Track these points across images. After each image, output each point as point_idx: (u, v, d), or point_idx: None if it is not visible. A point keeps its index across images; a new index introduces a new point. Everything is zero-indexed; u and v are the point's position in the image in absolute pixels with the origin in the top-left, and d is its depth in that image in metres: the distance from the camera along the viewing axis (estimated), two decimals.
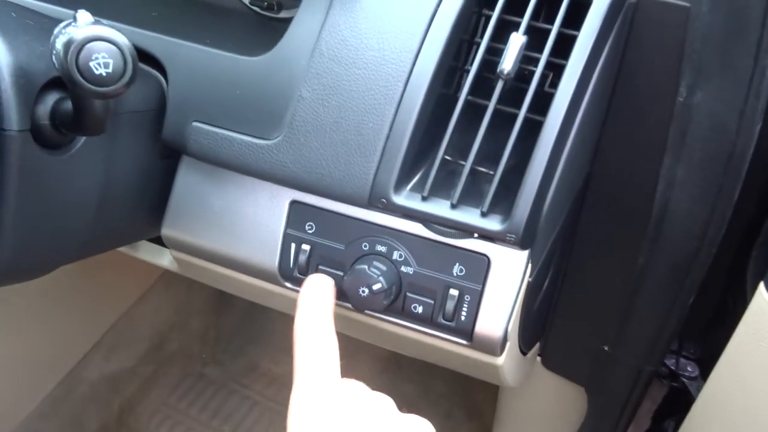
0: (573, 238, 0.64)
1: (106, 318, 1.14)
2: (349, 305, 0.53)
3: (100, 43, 0.36)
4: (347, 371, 0.45)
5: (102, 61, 0.36)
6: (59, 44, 0.36)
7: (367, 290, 0.51)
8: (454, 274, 0.51)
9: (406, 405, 0.45)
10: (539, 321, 0.67)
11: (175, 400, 1.17)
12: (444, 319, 0.51)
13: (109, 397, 1.13)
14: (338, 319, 0.59)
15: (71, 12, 0.56)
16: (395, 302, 0.52)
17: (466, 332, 0.51)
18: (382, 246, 0.53)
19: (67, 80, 0.37)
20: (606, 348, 0.70)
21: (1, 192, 0.44)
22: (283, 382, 1.16)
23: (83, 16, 0.37)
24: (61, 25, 0.39)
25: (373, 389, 0.45)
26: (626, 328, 0.67)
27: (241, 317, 1.25)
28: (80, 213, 0.51)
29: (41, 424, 1.05)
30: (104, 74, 0.36)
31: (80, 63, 0.36)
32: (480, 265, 0.51)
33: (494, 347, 0.52)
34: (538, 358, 0.77)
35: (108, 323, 1.13)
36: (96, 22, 0.37)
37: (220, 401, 1.17)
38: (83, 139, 0.49)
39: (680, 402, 0.75)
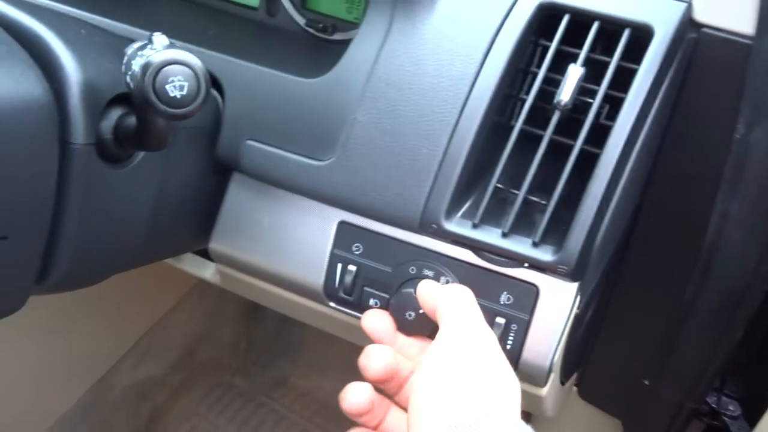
0: (619, 268, 0.63)
1: (138, 325, 1.15)
2: None
3: (176, 67, 0.37)
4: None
5: (178, 83, 0.36)
6: (136, 66, 0.37)
7: (413, 314, 0.51)
8: (502, 303, 0.51)
9: None
10: (579, 351, 0.66)
11: (203, 410, 1.17)
12: None
13: (138, 404, 1.14)
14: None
15: (135, 29, 0.58)
16: None
17: (512, 362, 0.51)
18: (429, 270, 0.53)
19: (141, 101, 0.37)
20: (646, 382, 0.69)
21: (64, 203, 0.45)
22: (312, 398, 1.16)
23: (159, 39, 0.38)
24: (135, 46, 0.40)
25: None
26: (669, 363, 0.66)
27: (272, 330, 1.26)
28: (135, 225, 0.52)
29: (71, 429, 1.06)
30: (179, 96, 0.37)
31: (157, 85, 0.36)
32: (528, 295, 0.51)
33: (539, 378, 0.52)
34: (574, 388, 0.76)
35: (141, 331, 1.15)
36: (171, 45, 0.38)
37: (248, 413, 1.17)
38: (142, 153, 0.50)
39: None
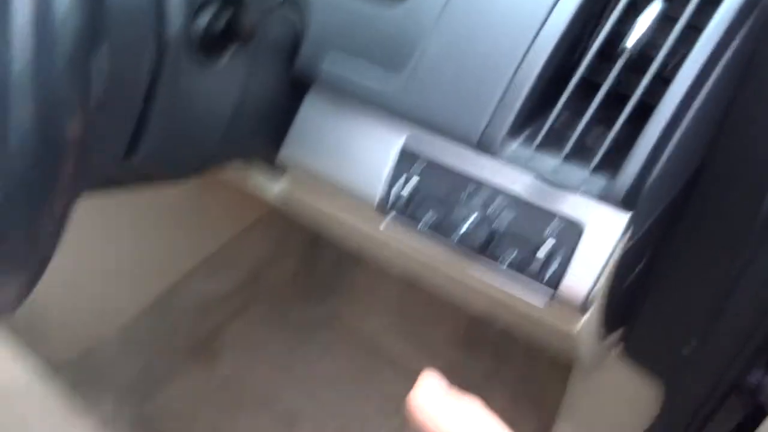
0: (676, 228, 0.63)
1: (210, 242, 1.23)
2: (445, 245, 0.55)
3: None
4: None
5: None
6: None
7: (457, 237, 0.54)
8: (546, 235, 0.53)
9: (471, 386, 0.45)
10: (625, 304, 0.67)
11: (256, 334, 1.24)
12: (533, 269, 0.53)
13: (202, 317, 1.22)
14: (421, 265, 0.62)
15: None
16: (487, 248, 0.54)
17: (552, 284, 0.53)
18: (478, 198, 0.55)
19: None
20: (690, 346, 0.69)
21: (155, 88, 0.50)
22: (359, 337, 1.21)
23: None
24: None
25: (441, 367, 0.45)
26: (714, 330, 0.66)
27: (329, 268, 1.31)
28: (214, 123, 0.57)
29: (141, 330, 1.15)
30: None
31: None
32: (574, 230, 0.52)
33: (576, 306, 0.53)
34: (614, 350, 0.76)
35: (212, 248, 1.22)
36: None
37: (295, 342, 1.23)
38: (228, 56, 0.54)
39: (757, 422, 0.72)
